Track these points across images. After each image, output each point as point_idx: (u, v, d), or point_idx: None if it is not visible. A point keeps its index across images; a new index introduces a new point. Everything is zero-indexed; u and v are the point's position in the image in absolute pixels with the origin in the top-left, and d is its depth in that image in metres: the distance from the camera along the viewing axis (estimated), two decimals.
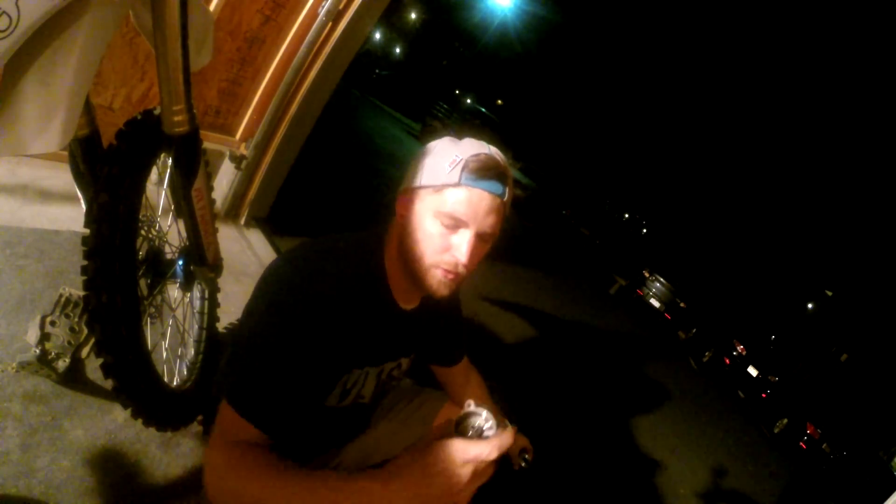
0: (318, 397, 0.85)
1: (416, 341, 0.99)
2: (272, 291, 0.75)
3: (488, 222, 0.74)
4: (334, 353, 0.76)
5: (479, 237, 0.75)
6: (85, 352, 1.12)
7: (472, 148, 0.76)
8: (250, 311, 0.77)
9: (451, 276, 0.76)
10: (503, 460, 1.28)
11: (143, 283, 1.01)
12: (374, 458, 1.18)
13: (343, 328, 0.75)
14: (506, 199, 0.76)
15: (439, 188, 0.74)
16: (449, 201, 0.73)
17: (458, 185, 0.73)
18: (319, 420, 0.94)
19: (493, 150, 0.77)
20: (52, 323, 1.06)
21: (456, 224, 0.74)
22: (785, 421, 9.50)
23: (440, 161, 0.75)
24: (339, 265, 0.77)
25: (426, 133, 11.99)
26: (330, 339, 0.73)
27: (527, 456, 1.22)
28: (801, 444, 9.40)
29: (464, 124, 11.64)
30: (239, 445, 0.67)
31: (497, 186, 0.74)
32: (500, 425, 1.01)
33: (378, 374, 0.94)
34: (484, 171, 0.73)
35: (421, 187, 0.76)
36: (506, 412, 1.26)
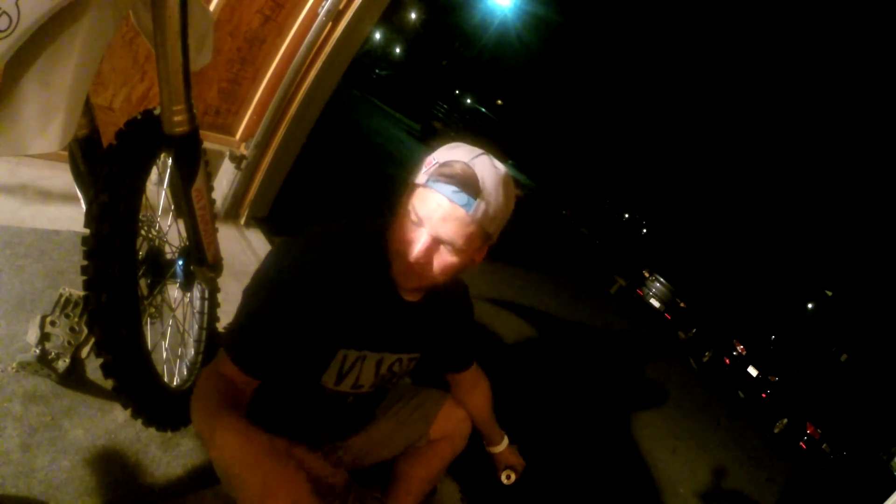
0: (312, 361, 0.88)
1: (420, 340, 1.00)
2: (280, 250, 0.84)
3: (444, 229, 0.74)
4: (326, 320, 0.81)
5: (437, 241, 0.76)
6: (85, 352, 1.12)
7: (455, 154, 0.76)
8: (265, 259, 0.85)
9: (411, 271, 0.79)
10: (493, 469, 1.32)
11: (143, 283, 1.01)
12: (374, 456, 1.19)
13: (339, 298, 0.81)
14: (474, 212, 0.73)
15: (415, 186, 0.77)
16: (414, 198, 0.76)
17: (423, 185, 0.75)
18: (319, 402, 0.95)
19: (478, 162, 0.75)
20: (52, 323, 1.06)
21: (418, 223, 0.76)
22: (785, 421, 9.49)
23: (425, 161, 0.78)
24: (345, 240, 0.84)
25: (426, 133, 11.99)
26: (323, 303, 0.79)
27: (511, 475, 1.28)
28: (801, 444, 9.40)
29: (464, 125, 11.64)
30: (213, 377, 0.76)
31: (460, 196, 0.72)
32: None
33: (377, 363, 0.95)
34: (447, 177, 0.73)
35: (410, 183, 0.79)
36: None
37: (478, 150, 0.77)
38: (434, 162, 0.76)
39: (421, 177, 0.76)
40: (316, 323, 0.80)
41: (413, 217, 0.76)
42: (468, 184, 0.73)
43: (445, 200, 0.73)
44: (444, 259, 0.77)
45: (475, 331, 1.16)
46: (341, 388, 0.93)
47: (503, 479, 1.30)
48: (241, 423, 0.67)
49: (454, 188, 0.72)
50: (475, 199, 0.73)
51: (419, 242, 0.76)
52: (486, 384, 1.24)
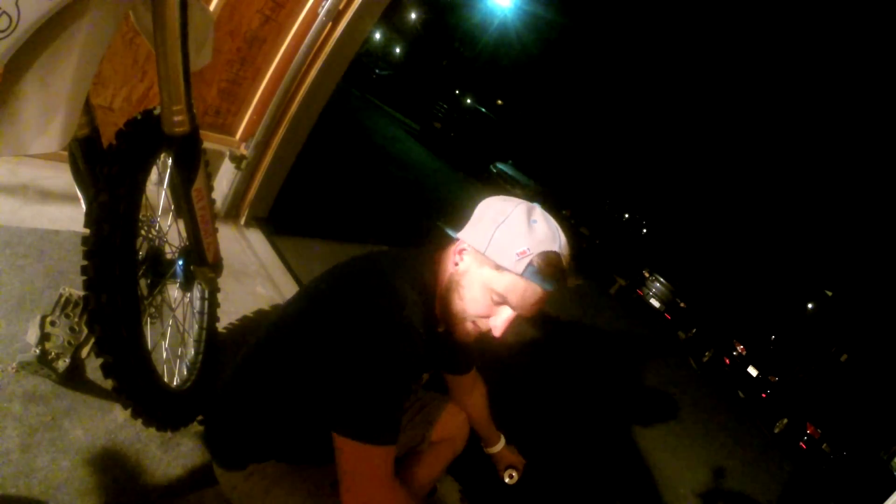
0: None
1: (437, 358, 1.03)
2: (370, 324, 0.75)
3: (532, 311, 0.79)
4: (413, 374, 0.83)
5: (521, 317, 0.81)
6: (85, 352, 1.12)
7: (545, 241, 0.77)
8: (344, 336, 0.76)
9: (479, 337, 0.83)
10: (493, 469, 1.33)
11: (143, 283, 1.01)
12: None
13: (419, 352, 0.79)
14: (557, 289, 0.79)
15: (500, 269, 0.78)
16: (504, 285, 0.78)
17: (519, 276, 0.76)
18: None
19: (562, 243, 0.79)
20: (52, 323, 1.06)
21: (502, 302, 0.79)
22: (785, 421, 9.50)
23: (510, 244, 0.77)
24: (415, 293, 0.82)
25: (426, 133, 11.99)
26: (415, 362, 0.78)
27: (514, 473, 1.28)
28: (801, 444, 9.40)
29: (464, 125, 11.64)
30: (394, 486, 0.75)
31: (554, 285, 0.77)
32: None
33: None
34: (548, 274, 0.76)
35: (484, 255, 0.79)
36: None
37: (552, 224, 0.80)
38: (528, 253, 0.76)
39: (514, 265, 0.76)
40: (411, 378, 0.82)
41: (496, 298, 0.78)
42: (561, 274, 0.77)
43: (541, 291, 0.78)
44: (518, 322, 0.82)
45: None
46: None
47: (506, 478, 1.31)
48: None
49: (553, 281, 0.77)
50: (562, 282, 0.78)
51: (504, 324, 0.80)
52: (484, 387, 1.26)
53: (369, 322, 0.75)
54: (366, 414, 0.72)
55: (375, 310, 0.76)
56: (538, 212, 0.81)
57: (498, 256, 0.77)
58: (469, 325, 0.82)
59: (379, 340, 0.74)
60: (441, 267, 0.87)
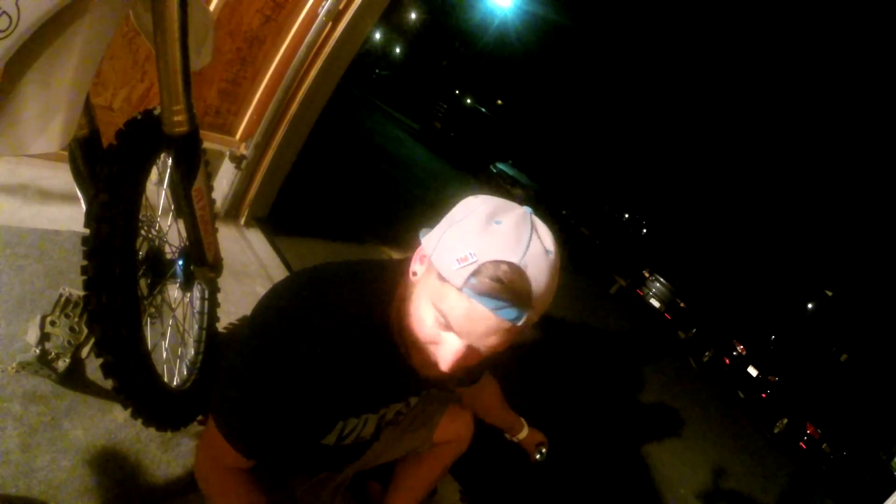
0: (312, 438, 0.84)
1: (426, 383, 0.93)
2: (272, 320, 0.69)
3: (486, 342, 0.61)
4: (328, 400, 0.73)
5: (474, 349, 0.63)
6: (85, 352, 1.12)
7: (498, 248, 0.57)
8: (248, 332, 0.71)
9: (434, 370, 0.67)
10: (522, 454, 1.34)
11: (143, 283, 1.01)
12: (377, 462, 1.18)
13: (339, 378, 0.70)
14: (524, 323, 0.60)
15: (444, 279, 0.60)
16: (445, 301, 0.60)
17: (459, 290, 0.58)
18: (317, 454, 0.93)
19: (530, 258, 0.57)
20: (52, 323, 1.06)
21: (448, 326, 0.61)
22: (785, 421, 9.50)
23: (456, 246, 0.59)
24: (342, 304, 0.69)
25: (426, 133, 12.01)
26: (324, 386, 0.69)
27: (543, 450, 1.31)
28: (801, 444, 9.39)
29: (464, 125, 11.66)
30: (224, 468, 0.74)
31: (509, 312, 0.58)
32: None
33: (380, 418, 0.91)
34: (494, 292, 0.56)
35: (431, 261, 0.62)
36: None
37: (525, 230, 0.60)
38: (472, 259, 0.57)
39: (453, 274, 0.58)
40: (319, 403, 0.72)
41: (441, 319, 0.61)
42: (521, 298, 0.57)
43: (491, 316, 0.58)
44: (475, 358, 0.65)
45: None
46: (343, 443, 0.89)
47: (537, 457, 1.34)
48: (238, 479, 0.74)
49: (505, 303, 0.57)
50: (525, 312, 0.59)
51: (450, 354, 0.62)
52: (495, 385, 1.23)
53: (270, 321, 0.69)
54: (227, 406, 0.69)
55: (281, 313, 0.69)
56: (515, 214, 0.61)
57: (441, 263, 0.60)
58: (420, 356, 0.67)
59: (268, 345, 0.67)
60: (402, 278, 0.71)
